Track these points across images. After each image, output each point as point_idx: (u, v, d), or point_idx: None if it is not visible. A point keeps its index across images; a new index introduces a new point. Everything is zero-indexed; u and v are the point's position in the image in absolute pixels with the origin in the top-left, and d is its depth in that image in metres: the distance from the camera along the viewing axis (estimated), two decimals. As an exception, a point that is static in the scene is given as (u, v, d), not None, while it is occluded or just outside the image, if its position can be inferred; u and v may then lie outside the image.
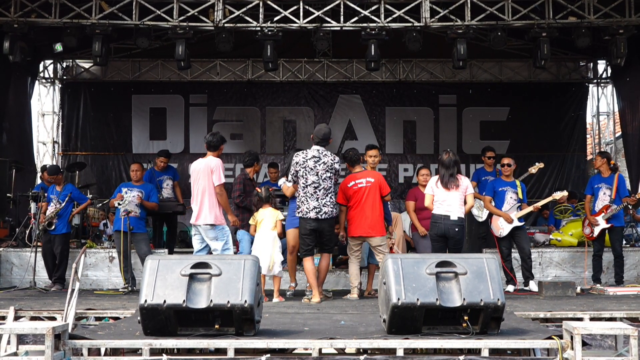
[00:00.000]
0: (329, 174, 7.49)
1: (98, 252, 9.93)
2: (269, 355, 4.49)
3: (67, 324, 4.75)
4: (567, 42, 11.88)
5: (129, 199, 9.00)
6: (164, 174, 10.82)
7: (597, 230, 9.11)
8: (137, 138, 14.45)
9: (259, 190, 7.99)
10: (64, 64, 14.43)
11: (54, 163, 13.63)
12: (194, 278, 4.69)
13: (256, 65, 14.10)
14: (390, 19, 10.71)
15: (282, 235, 7.94)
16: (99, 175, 14.10)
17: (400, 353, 4.51)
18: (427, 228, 8.35)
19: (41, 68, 13.99)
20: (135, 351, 4.95)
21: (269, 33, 10.68)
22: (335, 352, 5.24)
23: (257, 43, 11.01)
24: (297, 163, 7.48)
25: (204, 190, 7.71)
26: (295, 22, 10.73)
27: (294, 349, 5.14)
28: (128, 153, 14.31)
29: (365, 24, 10.72)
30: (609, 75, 14.21)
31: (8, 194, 10.90)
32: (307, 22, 10.78)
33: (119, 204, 8.93)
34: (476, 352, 4.54)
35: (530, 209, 9.00)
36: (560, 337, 4.55)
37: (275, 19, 10.75)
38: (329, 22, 10.89)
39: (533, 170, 9.52)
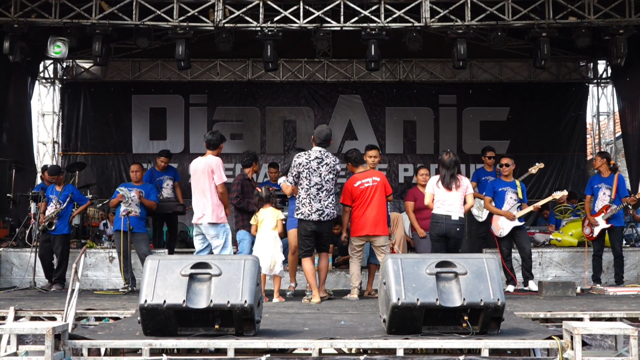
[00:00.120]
0: (331, 175, 7.49)
1: (98, 252, 9.94)
2: (269, 355, 4.48)
3: (67, 324, 4.75)
4: (567, 42, 11.88)
5: (130, 195, 8.99)
6: (165, 174, 10.81)
7: (597, 230, 9.11)
8: (137, 138, 14.46)
9: (260, 190, 7.98)
10: (64, 64, 14.43)
11: (54, 163, 13.63)
12: (194, 278, 4.69)
13: (256, 65, 14.11)
14: (390, 19, 10.71)
15: (283, 235, 7.93)
16: (99, 176, 14.10)
17: (400, 353, 4.51)
18: (427, 228, 8.36)
19: (41, 68, 13.99)
20: (135, 351, 4.96)
21: (269, 33, 10.68)
22: (335, 352, 5.25)
23: (257, 43, 11.01)
24: (299, 164, 7.43)
25: (204, 190, 7.70)
26: (295, 22, 10.74)
27: (294, 349, 5.15)
28: (128, 153, 14.31)
29: (365, 24, 10.72)
30: (609, 75, 14.22)
31: (8, 194, 10.90)
32: (307, 22, 10.78)
33: (124, 200, 8.90)
34: (476, 352, 4.54)
35: (530, 208, 9.00)
36: (560, 337, 4.55)
37: (275, 19, 10.75)
38: (329, 22, 10.89)
39: (533, 170, 9.52)
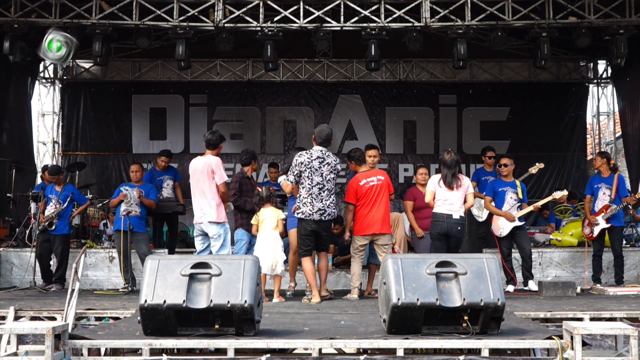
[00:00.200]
0: (332, 175, 7.49)
1: (98, 252, 9.94)
2: (269, 355, 4.48)
3: (67, 324, 4.74)
4: (567, 42, 11.88)
5: (131, 194, 8.99)
6: (165, 173, 10.81)
7: (596, 230, 9.11)
8: (137, 138, 14.46)
9: (260, 189, 7.98)
10: (64, 64, 14.43)
11: (54, 163, 13.63)
12: (194, 278, 4.69)
13: (256, 65, 14.11)
14: (390, 19, 10.71)
15: (284, 234, 7.93)
16: (99, 176, 14.10)
17: (400, 353, 4.51)
18: (426, 227, 8.37)
19: (41, 68, 13.99)
20: (135, 351, 4.95)
21: (269, 33, 10.68)
22: (335, 352, 5.24)
23: (257, 43, 11.01)
24: (301, 163, 7.40)
25: (203, 190, 7.69)
26: (295, 22, 10.74)
27: (294, 349, 5.15)
28: (128, 153, 14.31)
29: (365, 24, 10.72)
30: (609, 75, 14.22)
31: (8, 194, 10.91)
32: (307, 22, 10.78)
33: (126, 200, 8.90)
34: (476, 352, 4.54)
35: (530, 208, 9.00)
36: (560, 337, 4.54)
37: (276, 19, 10.75)
38: (329, 22, 10.89)
39: (533, 170, 9.52)
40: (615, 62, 11.06)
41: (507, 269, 8.83)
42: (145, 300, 4.57)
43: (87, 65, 14.39)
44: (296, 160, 7.46)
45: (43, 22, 10.69)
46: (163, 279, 4.65)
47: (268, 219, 7.66)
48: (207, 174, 7.67)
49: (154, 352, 4.53)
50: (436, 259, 4.82)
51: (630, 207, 9.54)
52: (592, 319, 5.96)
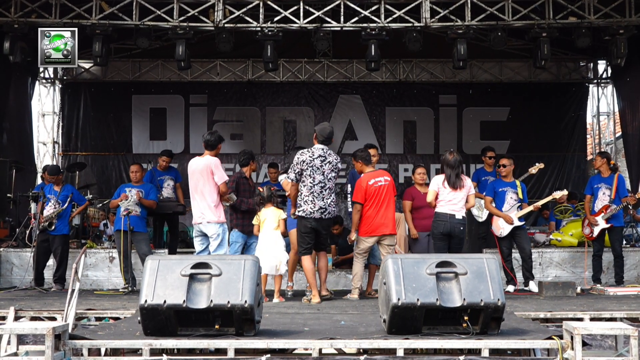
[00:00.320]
0: (333, 174, 7.49)
1: (98, 252, 9.94)
2: (269, 355, 4.49)
3: (67, 324, 4.74)
4: (567, 42, 11.89)
5: (132, 197, 8.98)
6: (166, 174, 10.81)
7: (596, 230, 9.11)
8: (137, 138, 14.46)
9: (261, 189, 7.97)
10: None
11: (54, 163, 13.64)
12: (194, 278, 4.69)
13: (256, 66, 14.11)
14: (390, 19, 10.71)
15: (286, 234, 7.92)
16: (99, 176, 14.10)
17: (400, 353, 4.50)
18: (425, 227, 8.36)
19: (41, 68, 13.98)
20: (135, 351, 4.95)
21: (269, 33, 10.68)
22: (335, 352, 5.24)
23: (257, 43, 11.02)
24: (303, 161, 7.38)
25: (202, 190, 7.67)
26: (295, 22, 10.74)
27: (294, 349, 5.14)
28: (128, 153, 14.31)
29: (365, 24, 10.72)
30: (609, 75, 14.22)
31: (8, 194, 10.90)
32: (307, 22, 10.78)
33: (125, 201, 8.89)
34: (476, 352, 4.54)
35: (530, 208, 9.00)
36: (561, 337, 4.54)
37: (276, 19, 10.75)
38: (329, 22, 10.90)
39: (533, 170, 9.53)
40: (615, 62, 11.06)
41: (507, 269, 8.83)
42: (146, 301, 4.56)
43: (87, 66, 14.37)
44: (297, 158, 7.43)
45: (43, 22, 10.67)
46: (163, 279, 4.65)
47: (269, 219, 7.66)
48: (206, 174, 7.64)
49: (154, 352, 4.53)
50: (436, 259, 4.82)
51: (630, 207, 9.54)
52: (592, 319, 5.96)
